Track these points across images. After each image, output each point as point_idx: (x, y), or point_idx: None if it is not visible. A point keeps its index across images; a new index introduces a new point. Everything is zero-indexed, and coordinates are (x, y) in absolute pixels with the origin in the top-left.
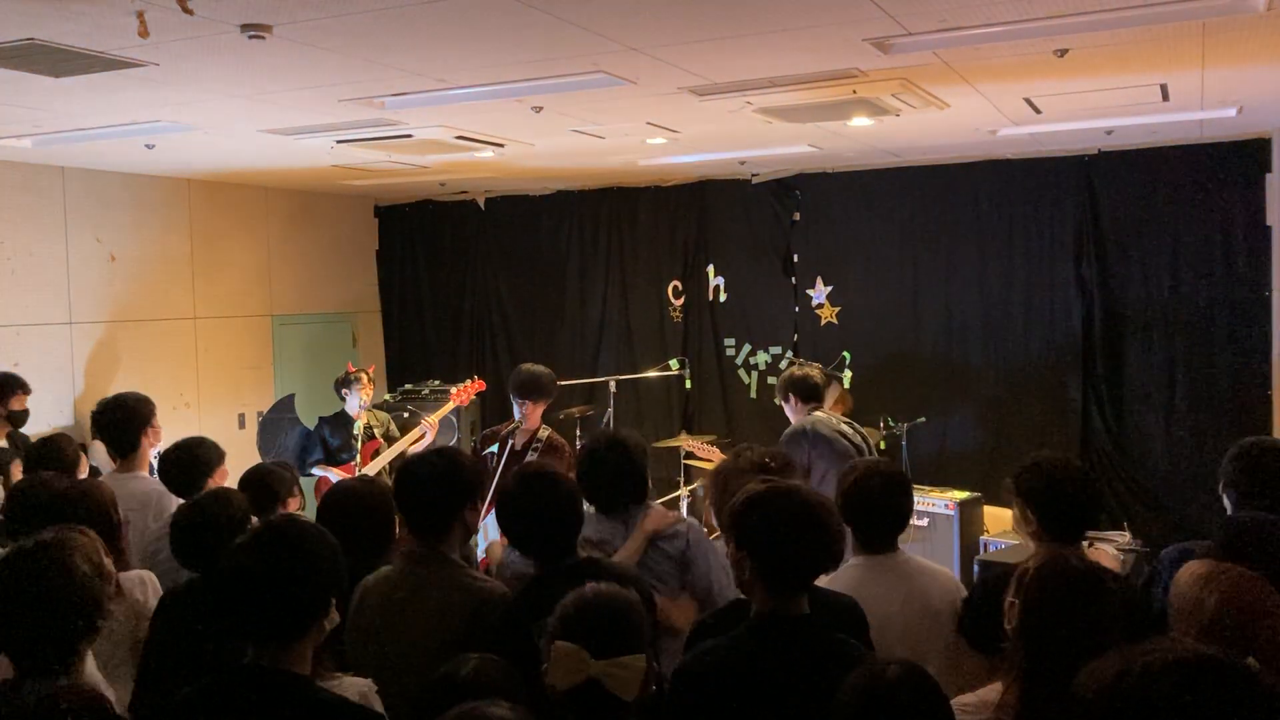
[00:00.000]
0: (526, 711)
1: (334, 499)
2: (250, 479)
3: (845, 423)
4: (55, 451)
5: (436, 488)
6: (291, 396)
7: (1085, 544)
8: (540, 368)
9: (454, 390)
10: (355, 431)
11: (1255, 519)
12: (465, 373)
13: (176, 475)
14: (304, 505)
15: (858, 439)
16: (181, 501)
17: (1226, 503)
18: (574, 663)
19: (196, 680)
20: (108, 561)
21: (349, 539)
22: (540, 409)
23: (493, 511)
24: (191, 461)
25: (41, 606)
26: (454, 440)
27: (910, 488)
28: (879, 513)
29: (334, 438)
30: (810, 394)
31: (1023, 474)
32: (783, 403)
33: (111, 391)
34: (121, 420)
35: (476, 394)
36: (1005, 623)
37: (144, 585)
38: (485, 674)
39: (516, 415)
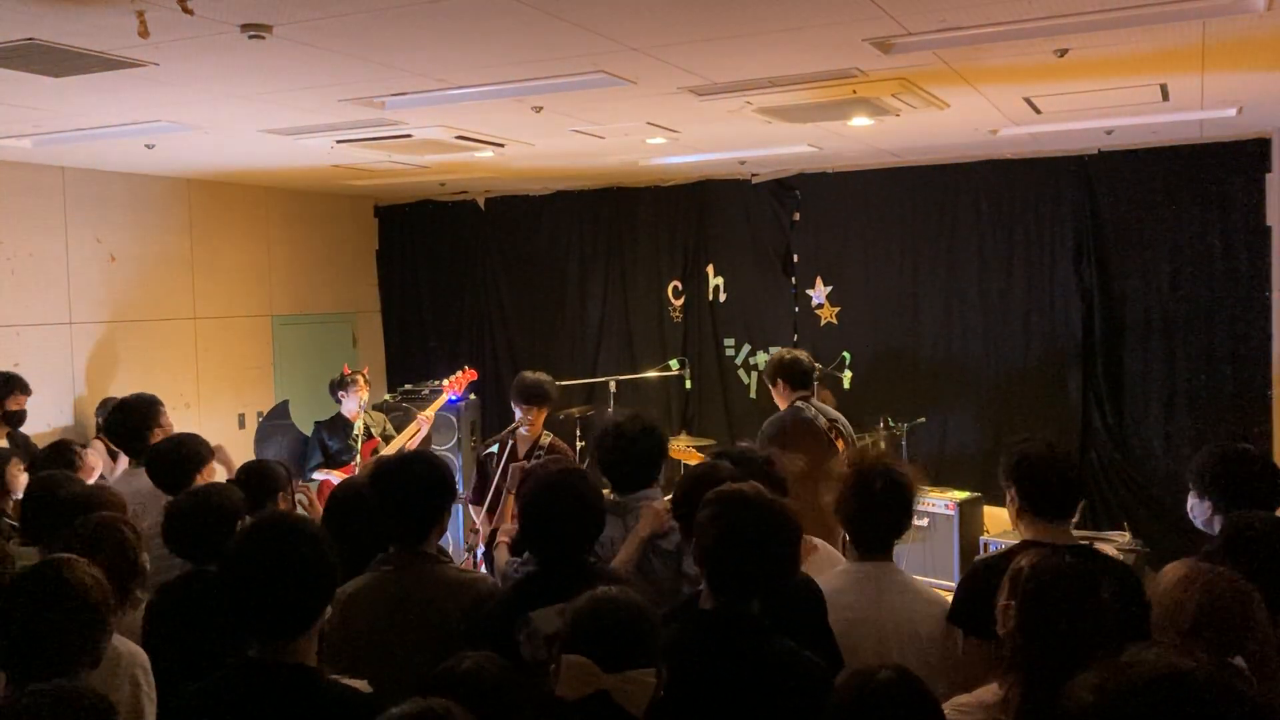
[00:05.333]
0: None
1: (342, 496)
2: (248, 472)
3: (830, 414)
4: (60, 456)
5: (421, 493)
6: (285, 403)
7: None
8: (542, 375)
9: (445, 383)
10: (354, 432)
11: (1259, 518)
12: None
13: (164, 471)
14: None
15: (845, 430)
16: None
17: (1196, 509)
18: (584, 675)
19: (203, 675)
20: (144, 557)
21: (355, 535)
22: (543, 415)
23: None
24: (179, 458)
25: (52, 623)
26: (454, 439)
27: (911, 493)
28: (874, 516)
29: (332, 440)
30: (800, 380)
31: (1006, 455)
32: (770, 387)
33: (111, 392)
34: (130, 423)
35: (470, 384)
36: (999, 626)
37: None
38: (483, 671)
39: (518, 417)
